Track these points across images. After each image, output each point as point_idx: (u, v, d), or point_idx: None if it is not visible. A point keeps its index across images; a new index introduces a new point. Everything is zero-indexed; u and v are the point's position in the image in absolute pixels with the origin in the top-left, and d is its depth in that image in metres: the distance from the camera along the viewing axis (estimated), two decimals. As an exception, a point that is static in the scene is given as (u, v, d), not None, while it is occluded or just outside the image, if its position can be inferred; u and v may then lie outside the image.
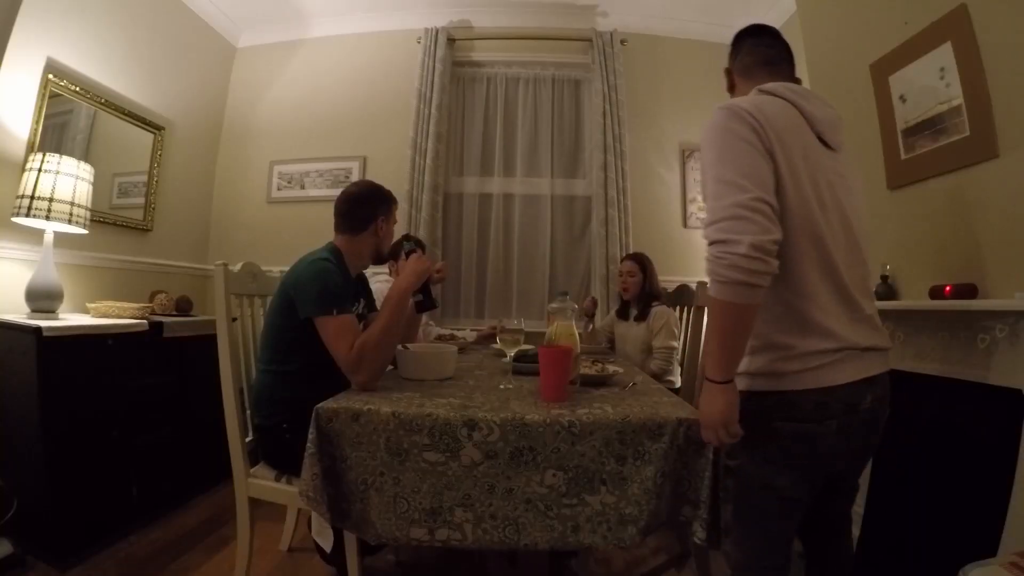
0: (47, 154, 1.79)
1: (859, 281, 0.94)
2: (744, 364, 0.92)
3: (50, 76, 2.01)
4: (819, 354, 0.87)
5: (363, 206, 1.46)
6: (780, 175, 0.87)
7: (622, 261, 2.40)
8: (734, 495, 0.96)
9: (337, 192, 1.51)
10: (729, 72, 1.13)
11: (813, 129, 0.94)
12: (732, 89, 1.13)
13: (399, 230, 1.60)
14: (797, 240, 0.87)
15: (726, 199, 0.83)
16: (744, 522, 0.95)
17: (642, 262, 2.29)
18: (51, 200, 1.75)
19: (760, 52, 1.09)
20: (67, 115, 2.14)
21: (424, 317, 2.27)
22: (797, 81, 1.05)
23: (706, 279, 0.89)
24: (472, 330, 2.57)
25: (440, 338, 2.24)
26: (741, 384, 0.92)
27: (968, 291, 1.36)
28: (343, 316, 1.24)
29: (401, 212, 1.87)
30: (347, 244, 1.45)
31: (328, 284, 1.25)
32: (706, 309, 0.99)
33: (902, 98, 1.64)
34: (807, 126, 0.94)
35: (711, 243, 0.84)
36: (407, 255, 1.41)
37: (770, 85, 0.98)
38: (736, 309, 0.83)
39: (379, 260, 1.57)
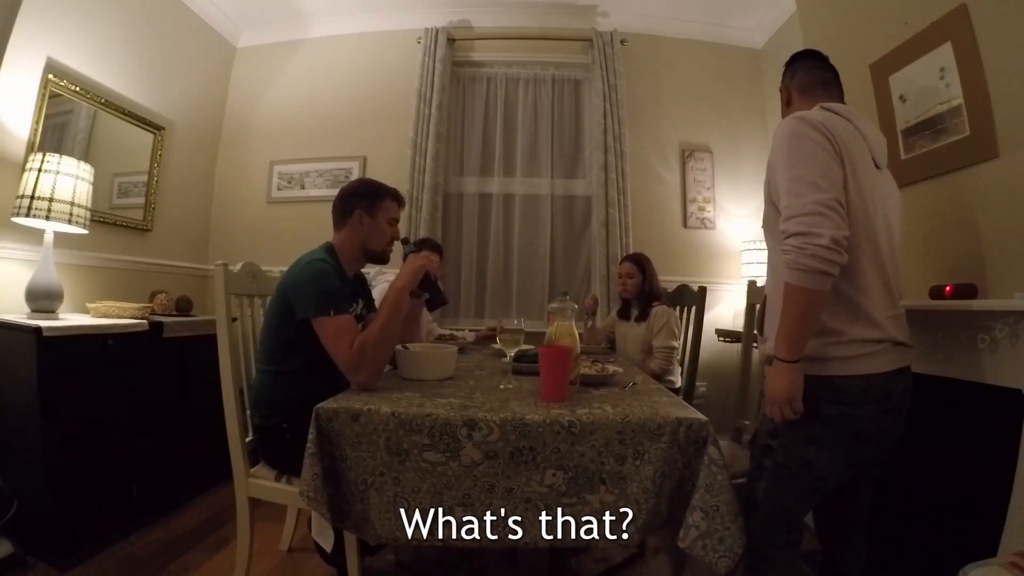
0: (47, 154, 1.79)
1: (898, 282, 1.07)
2: (826, 349, 1.00)
3: (50, 76, 2.01)
4: (866, 343, 0.98)
5: (345, 200, 1.45)
6: (846, 180, 0.98)
7: (621, 263, 2.40)
8: (771, 473, 1.03)
9: (337, 192, 1.50)
10: (787, 89, 1.24)
11: (867, 147, 1.06)
12: (789, 104, 1.23)
13: (400, 231, 1.55)
14: (857, 239, 0.98)
15: (807, 196, 0.93)
16: (774, 498, 1.03)
17: (641, 263, 2.29)
18: (51, 200, 1.75)
19: (818, 73, 1.21)
20: (67, 115, 2.14)
21: (428, 316, 2.28)
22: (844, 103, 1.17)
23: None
24: (471, 330, 2.57)
25: (440, 338, 2.24)
26: (815, 369, 0.99)
27: (968, 291, 1.36)
28: (341, 317, 1.24)
29: (401, 212, 1.83)
30: (337, 241, 1.45)
31: (324, 285, 1.25)
32: (767, 296, 1.13)
33: (902, 98, 1.64)
34: (864, 143, 1.05)
35: (792, 235, 0.93)
36: (405, 257, 1.41)
37: (831, 105, 1.10)
38: (812, 295, 0.93)
39: (374, 259, 1.49)
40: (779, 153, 1.01)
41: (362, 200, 1.44)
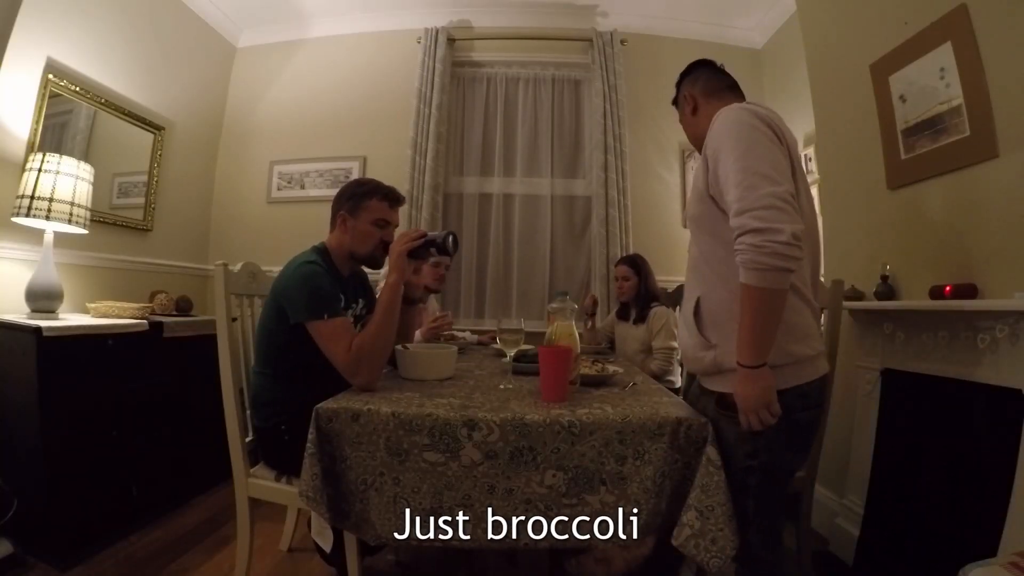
0: (47, 154, 1.79)
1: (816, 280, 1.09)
2: (792, 350, 0.95)
3: (50, 76, 2.01)
4: (819, 342, 0.99)
5: (334, 202, 1.43)
6: (793, 174, 0.94)
7: (616, 265, 2.38)
8: (757, 490, 0.98)
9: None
10: (692, 97, 1.19)
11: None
12: (695, 111, 1.19)
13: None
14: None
15: (762, 189, 0.86)
16: (764, 511, 1.00)
17: (636, 264, 2.28)
18: (51, 200, 1.75)
19: (723, 78, 1.19)
20: (67, 115, 2.14)
21: (434, 310, 2.27)
22: None
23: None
24: (471, 332, 2.57)
25: (440, 338, 2.24)
26: (789, 378, 0.95)
27: (968, 291, 1.36)
28: (335, 320, 1.22)
29: (401, 212, 1.80)
30: (330, 242, 1.43)
31: (316, 288, 1.23)
32: (700, 297, 1.04)
33: (902, 98, 1.64)
34: (795, 141, 1.04)
35: (748, 231, 0.85)
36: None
37: (757, 103, 1.04)
38: (774, 295, 0.87)
39: (364, 263, 1.45)
40: (726, 143, 0.94)
41: (347, 201, 1.39)
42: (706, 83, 1.18)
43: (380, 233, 1.40)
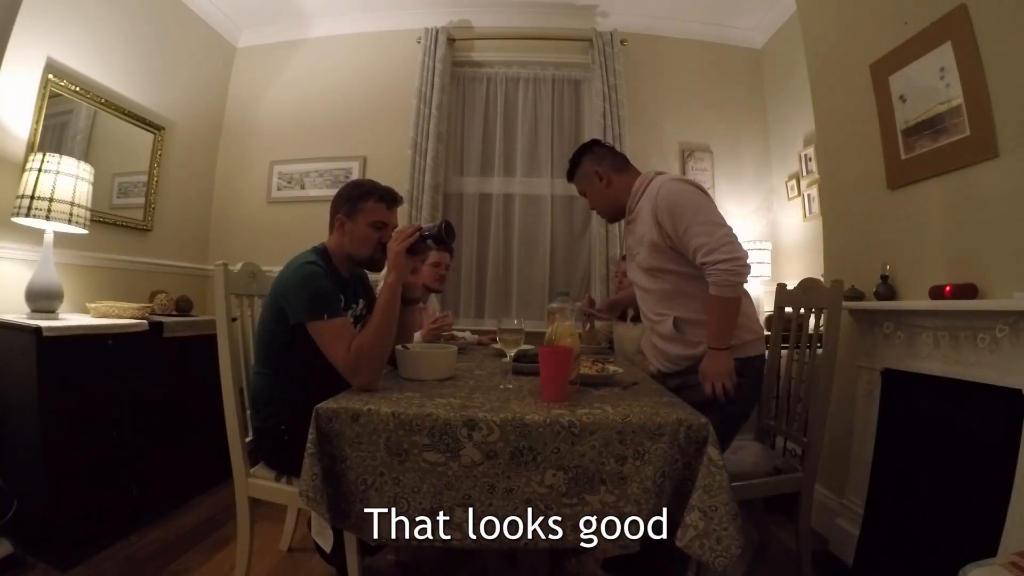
0: (47, 154, 1.79)
1: None
2: (743, 336, 1.36)
3: (50, 76, 2.01)
4: (758, 325, 1.46)
5: (332, 205, 1.42)
6: None
7: (618, 262, 2.39)
8: (723, 430, 1.14)
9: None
10: (605, 173, 1.50)
11: None
12: (610, 185, 1.51)
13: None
14: None
15: (718, 232, 1.26)
16: (725, 445, 1.27)
17: None
18: (51, 200, 1.75)
19: (619, 154, 1.60)
20: (67, 115, 2.14)
21: (434, 310, 2.27)
22: None
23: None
24: (471, 332, 2.57)
25: (440, 338, 2.23)
26: (750, 351, 1.38)
27: (968, 291, 1.36)
28: (335, 320, 1.22)
29: (401, 212, 1.79)
30: (329, 243, 1.42)
31: (316, 289, 1.22)
32: (676, 318, 1.40)
33: (902, 98, 1.64)
34: None
35: (719, 262, 1.24)
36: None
37: (671, 175, 1.47)
38: (733, 300, 1.29)
39: (363, 266, 1.45)
40: (681, 210, 1.30)
41: (344, 204, 1.38)
42: (612, 162, 1.53)
43: (378, 235, 1.38)
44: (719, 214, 1.32)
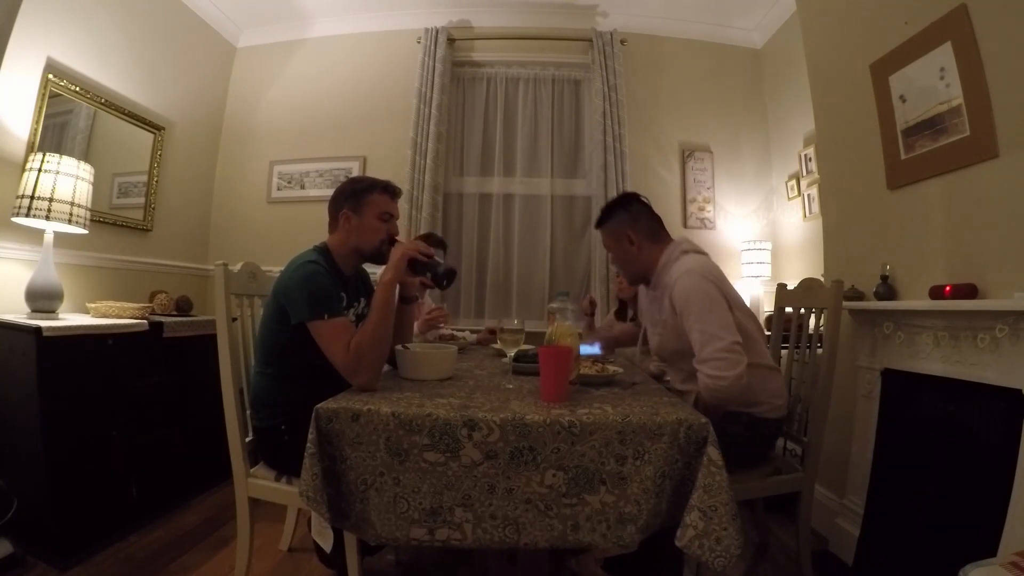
0: (47, 154, 1.79)
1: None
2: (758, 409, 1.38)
3: (50, 76, 2.01)
4: (781, 399, 1.44)
5: (333, 201, 1.42)
6: (732, 313, 1.31)
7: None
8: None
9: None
10: (635, 240, 1.45)
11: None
12: (640, 251, 1.45)
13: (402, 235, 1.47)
14: (754, 338, 1.39)
15: (712, 345, 1.25)
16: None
17: None
18: (51, 200, 1.75)
19: (655, 217, 1.49)
20: (67, 115, 2.14)
21: (429, 302, 2.28)
22: None
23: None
24: (471, 332, 2.57)
25: (441, 338, 2.24)
26: (766, 414, 1.39)
27: (968, 291, 1.36)
28: (335, 319, 1.22)
29: (401, 212, 1.79)
30: (331, 242, 1.42)
31: (316, 288, 1.22)
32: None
33: (902, 98, 1.64)
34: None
35: (704, 374, 1.26)
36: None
37: (688, 245, 1.43)
38: (713, 406, 1.27)
39: (369, 259, 1.44)
40: (691, 308, 1.30)
41: (348, 199, 1.38)
42: (648, 227, 1.46)
43: (386, 227, 1.41)
44: (725, 320, 1.28)
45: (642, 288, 1.65)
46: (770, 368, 1.41)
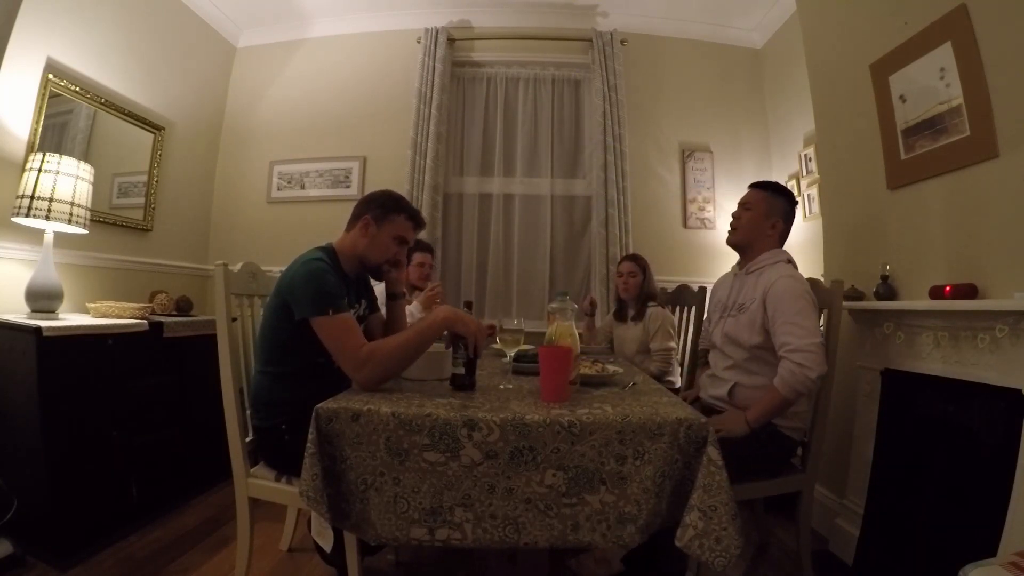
0: (47, 154, 1.79)
1: None
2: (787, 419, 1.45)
3: (50, 76, 2.01)
4: (802, 420, 1.51)
5: (361, 203, 1.44)
6: None
7: (621, 262, 2.40)
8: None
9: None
10: (777, 223, 1.57)
11: None
12: (773, 229, 1.57)
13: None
14: None
15: (808, 338, 1.32)
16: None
17: (642, 263, 2.31)
18: (51, 200, 1.75)
19: (791, 225, 1.61)
20: (67, 115, 2.14)
21: (418, 313, 2.28)
22: None
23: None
24: None
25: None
26: (788, 432, 1.46)
27: (968, 291, 1.36)
28: (340, 315, 1.21)
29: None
30: (341, 242, 1.43)
31: (322, 284, 1.23)
32: (737, 383, 1.52)
33: (902, 98, 1.64)
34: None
35: (795, 361, 1.31)
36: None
37: (790, 258, 1.55)
38: (787, 401, 1.36)
39: (369, 271, 1.47)
40: (789, 304, 1.38)
41: (376, 208, 1.41)
42: (785, 227, 1.59)
43: (396, 249, 1.44)
44: (818, 325, 1.38)
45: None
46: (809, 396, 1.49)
